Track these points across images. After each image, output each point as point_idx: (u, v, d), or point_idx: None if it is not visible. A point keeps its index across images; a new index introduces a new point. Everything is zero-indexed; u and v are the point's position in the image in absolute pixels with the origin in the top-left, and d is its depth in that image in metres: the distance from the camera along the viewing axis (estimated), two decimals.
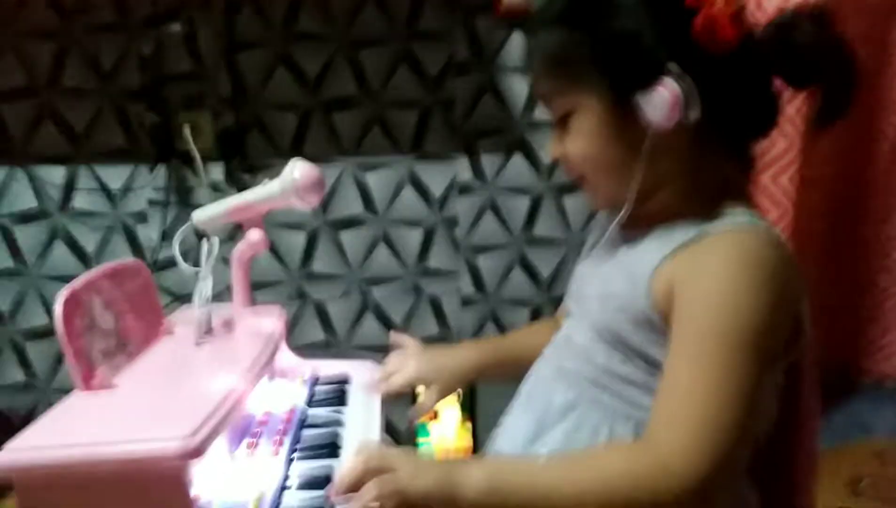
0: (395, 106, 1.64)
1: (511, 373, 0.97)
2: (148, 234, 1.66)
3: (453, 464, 0.67)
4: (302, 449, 0.73)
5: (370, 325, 1.72)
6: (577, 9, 0.71)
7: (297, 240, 1.68)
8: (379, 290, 1.71)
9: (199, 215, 0.95)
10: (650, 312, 0.69)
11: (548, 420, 0.78)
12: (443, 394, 0.94)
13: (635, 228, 0.76)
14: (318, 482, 0.67)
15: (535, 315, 1.73)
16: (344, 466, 0.64)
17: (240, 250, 0.93)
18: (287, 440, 0.74)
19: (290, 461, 0.71)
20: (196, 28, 1.59)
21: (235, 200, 0.92)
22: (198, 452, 0.53)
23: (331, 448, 0.73)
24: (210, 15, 1.58)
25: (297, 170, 0.87)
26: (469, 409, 1.68)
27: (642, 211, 0.74)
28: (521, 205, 1.69)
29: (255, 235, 0.91)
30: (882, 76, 1.46)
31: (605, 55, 0.70)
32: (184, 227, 0.95)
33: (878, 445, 1.62)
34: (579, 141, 0.73)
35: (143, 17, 1.57)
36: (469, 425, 1.68)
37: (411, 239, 1.69)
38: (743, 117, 0.72)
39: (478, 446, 1.67)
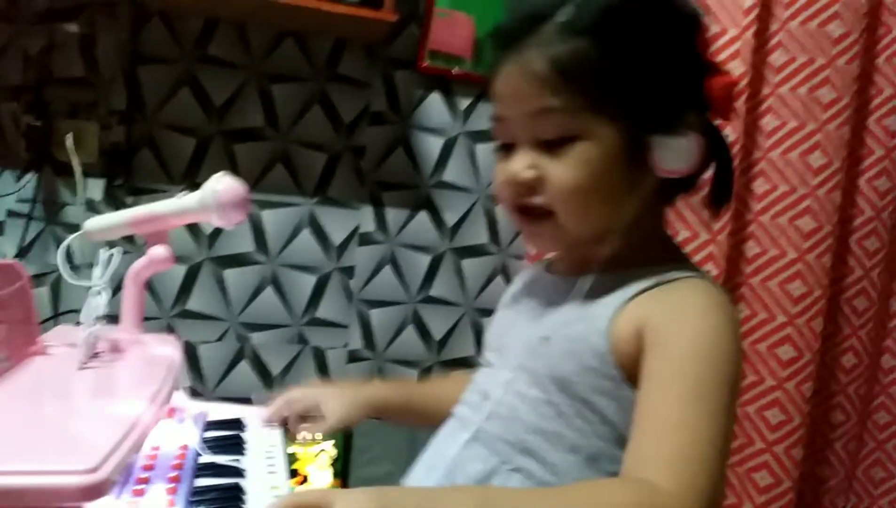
0: (302, 145, 1.58)
1: (417, 420, 0.91)
2: (1, 248, 1.46)
3: (431, 490, 0.58)
4: (201, 500, 0.63)
5: (244, 374, 1.60)
6: (617, 26, 0.65)
7: (175, 273, 1.54)
8: (260, 336, 1.59)
9: (93, 224, 0.84)
10: (606, 355, 0.66)
11: None
12: (340, 421, 0.86)
13: (575, 273, 0.73)
14: None
15: (424, 376, 1.67)
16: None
17: (139, 266, 0.82)
18: (182, 488, 0.64)
19: None
20: (96, 32, 1.47)
21: (142, 210, 0.82)
22: (101, 490, 0.43)
23: (234, 500, 0.64)
24: (114, 21, 1.47)
25: (221, 183, 0.79)
26: (341, 474, 1.57)
27: (589, 256, 0.72)
28: (422, 263, 1.66)
29: (160, 251, 0.81)
30: None
31: (636, 86, 0.66)
32: (74, 235, 0.84)
33: None
34: (577, 170, 0.66)
35: (37, 11, 1.43)
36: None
37: (303, 285, 1.60)
38: (694, 181, 0.74)
39: None
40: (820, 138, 1.44)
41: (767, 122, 1.47)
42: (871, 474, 1.64)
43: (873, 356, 1.60)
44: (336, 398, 0.87)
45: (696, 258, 1.39)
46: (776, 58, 1.45)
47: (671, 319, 0.65)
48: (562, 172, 0.67)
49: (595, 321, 0.68)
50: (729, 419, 0.61)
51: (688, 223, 1.39)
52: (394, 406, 0.91)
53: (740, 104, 1.39)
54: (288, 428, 0.86)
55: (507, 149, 0.72)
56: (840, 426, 1.57)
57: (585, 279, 0.71)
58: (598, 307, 0.69)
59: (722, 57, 1.38)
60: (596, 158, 0.66)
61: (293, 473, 1.54)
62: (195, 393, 1.54)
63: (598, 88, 0.65)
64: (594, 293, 0.71)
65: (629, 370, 0.65)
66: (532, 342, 0.72)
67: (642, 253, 0.72)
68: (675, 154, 0.66)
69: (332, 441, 1.55)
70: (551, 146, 0.68)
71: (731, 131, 1.39)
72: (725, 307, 0.67)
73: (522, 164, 0.69)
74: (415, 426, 0.93)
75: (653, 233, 0.75)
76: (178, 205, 0.80)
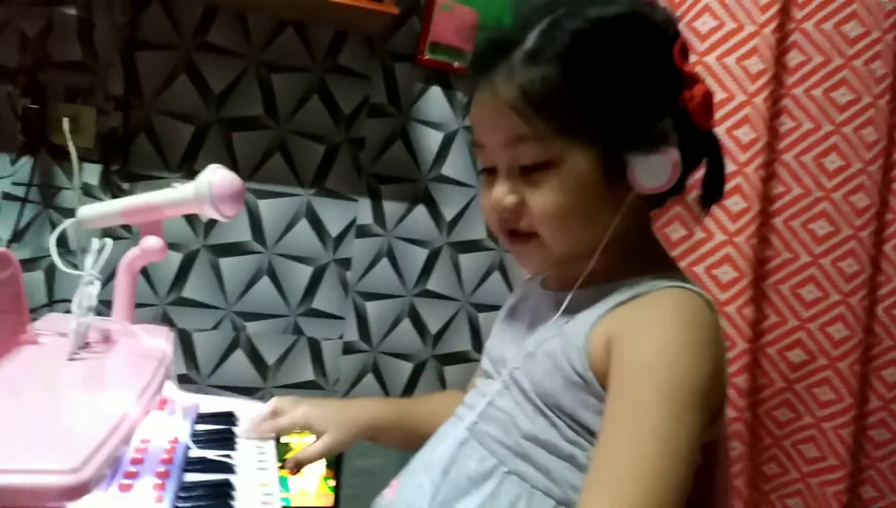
0: (301, 136, 1.56)
1: (410, 441, 0.89)
2: None
3: None
4: (189, 496, 0.62)
5: (238, 363, 1.59)
6: (583, 51, 0.65)
7: (171, 260, 1.53)
8: (255, 326, 1.59)
9: (87, 212, 0.83)
10: (585, 371, 0.65)
11: (459, 487, 0.71)
12: (333, 445, 0.83)
13: (563, 288, 0.73)
14: None
15: (418, 370, 1.67)
16: None
17: (131, 256, 0.81)
18: (170, 484, 0.63)
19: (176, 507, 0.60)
20: (93, 16, 1.45)
21: (135, 200, 0.81)
22: (84, 490, 0.42)
23: (223, 497, 0.63)
24: (112, 5, 1.45)
25: (217, 175, 0.78)
26: (335, 465, 1.57)
27: (577, 271, 0.71)
28: (419, 256, 1.65)
29: (152, 242, 0.80)
30: None
31: (607, 108, 0.65)
32: (67, 222, 0.83)
33: None
34: (554, 196, 0.66)
35: None
36: (332, 482, 1.57)
37: (299, 276, 1.59)
38: (680, 188, 0.73)
39: (339, 504, 1.56)
40: (836, 140, 1.42)
41: (782, 123, 1.45)
42: None
43: None
44: (327, 421, 0.83)
45: (712, 260, 1.38)
46: (791, 58, 1.43)
47: (635, 335, 0.63)
48: (540, 199, 0.67)
49: (573, 338, 0.67)
50: (682, 438, 0.59)
51: (703, 225, 1.37)
52: (386, 427, 0.88)
53: (759, 102, 1.36)
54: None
55: (490, 173, 0.72)
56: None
57: (568, 295, 0.71)
58: (576, 323, 0.68)
59: (739, 53, 1.36)
60: (572, 183, 0.66)
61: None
62: (189, 381, 1.55)
63: (567, 114, 0.65)
64: (575, 309, 0.70)
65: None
66: (519, 357, 0.72)
67: (626, 264, 0.71)
68: (651, 171, 0.65)
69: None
70: (529, 172, 0.67)
71: (751, 130, 1.36)
72: (696, 321, 0.65)
73: (503, 190, 0.69)
74: (406, 449, 0.91)
75: (638, 242, 0.74)
76: (172, 196, 0.79)
